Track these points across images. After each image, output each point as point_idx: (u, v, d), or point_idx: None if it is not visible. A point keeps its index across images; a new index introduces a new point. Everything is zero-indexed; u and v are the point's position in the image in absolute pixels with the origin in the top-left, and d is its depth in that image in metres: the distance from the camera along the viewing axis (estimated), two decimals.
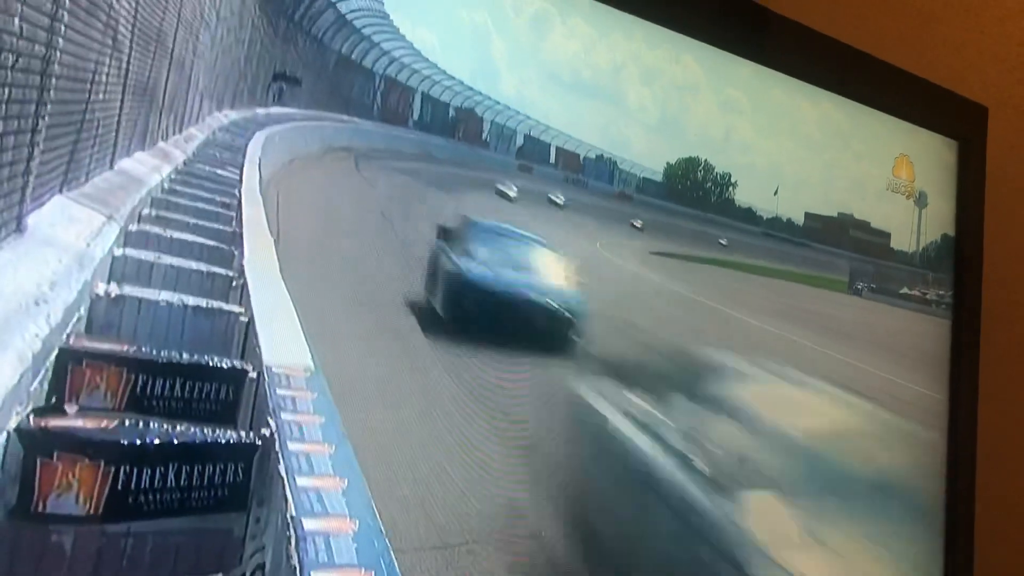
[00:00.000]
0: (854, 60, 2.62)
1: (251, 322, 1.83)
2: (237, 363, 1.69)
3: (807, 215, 2.79)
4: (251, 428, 1.62)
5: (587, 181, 2.50)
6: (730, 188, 2.58)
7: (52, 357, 1.50)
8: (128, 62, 2.26)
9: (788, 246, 2.79)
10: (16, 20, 1.36)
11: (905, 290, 3.05)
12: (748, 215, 2.68)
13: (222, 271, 2.01)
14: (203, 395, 1.63)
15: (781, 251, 2.81)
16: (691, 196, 2.54)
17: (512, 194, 2.26)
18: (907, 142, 2.93)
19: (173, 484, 1.41)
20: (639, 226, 2.53)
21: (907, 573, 2.61)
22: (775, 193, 2.67)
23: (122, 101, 2.28)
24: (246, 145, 2.52)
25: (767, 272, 2.87)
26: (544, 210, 2.40)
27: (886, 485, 2.62)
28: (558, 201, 2.41)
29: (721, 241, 2.68)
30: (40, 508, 1.30)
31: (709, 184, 2.55)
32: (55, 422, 1.35)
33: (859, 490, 2.51)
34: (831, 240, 2.87)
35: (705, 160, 2.51)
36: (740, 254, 2.78)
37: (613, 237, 2.61)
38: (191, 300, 1.83)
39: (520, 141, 2.38)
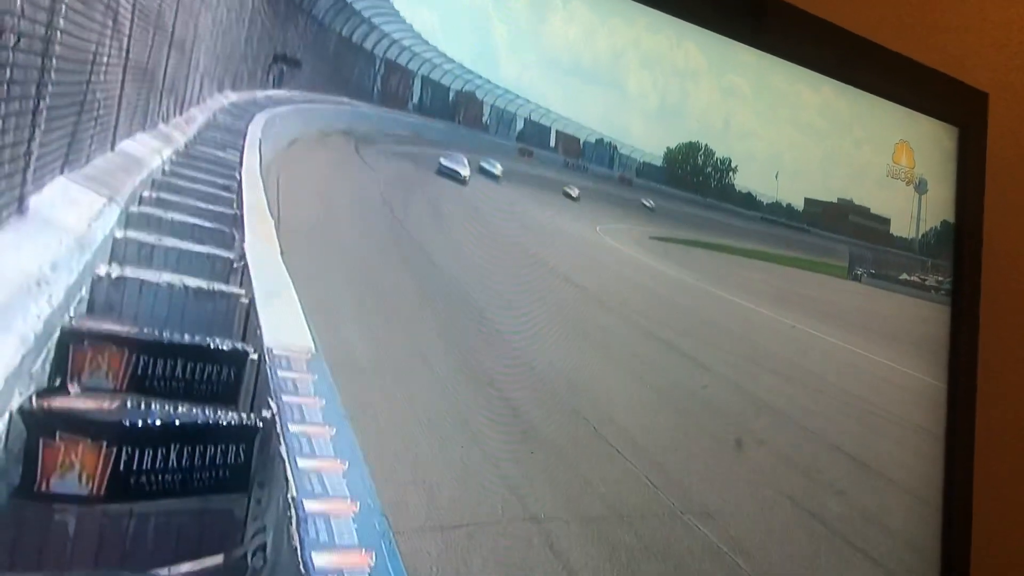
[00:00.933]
0: (854, 46, 2.62)
1: (252, 304, 1.84)
2: (238, 345, 1.70)
3: (807, 201, 2.79)
4: (252, 410, 1.63)
5: (587, 166, 2.50)
6: (730, 173, 2.58)
7: (54, 338, 1.51)
8: (129, 43, 2.25)
9: (788, 231, 2.79)
10: (18, 0, 1.36)
11: (904, 276, 3.06)
12: (748, 200, 2.68)
13: (223, 253, 2.02)
14: (204, 376, 1.64)
15: (780, 236, 2.81)
16: (691, 181, 2.54)
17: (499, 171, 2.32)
18: (907, 128, 2.93)
19: (175, 465, 1.41)
20: (575, 195, 2.52)
21: (905, 558, 2.62)
22: (775, 178, 2.67)
23: (123, 82, 2.27)
24: (247, 127, 2.52)
25: (766, 257, 2.87)
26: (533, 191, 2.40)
27: (884, 470, 2.63)
28: (572, 195, 2.50)
29: (646, 203, 2.61)
30: (43, 488, 1.31)
31: (709, 169, 2.56)
32: (57, 403, 1.36)
33: (857, 473, 2.52)
34: (831, 226, 2.87)
35: (705, 145, 2.51)
36: (739, 239, 2.78)
37: (612, 222, 2.62)
38: (192, 282, 1.83)
39: (520, 125, 2.38)
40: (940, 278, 2.99)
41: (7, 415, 1.27)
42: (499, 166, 2.33)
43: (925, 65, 2.77)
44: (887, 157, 2.89)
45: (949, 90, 2.91)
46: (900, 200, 2.94)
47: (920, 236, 3.03)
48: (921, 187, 2.97)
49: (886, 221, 2.99)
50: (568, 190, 2.48)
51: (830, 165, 2.79)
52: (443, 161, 2.29)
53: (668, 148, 2.48)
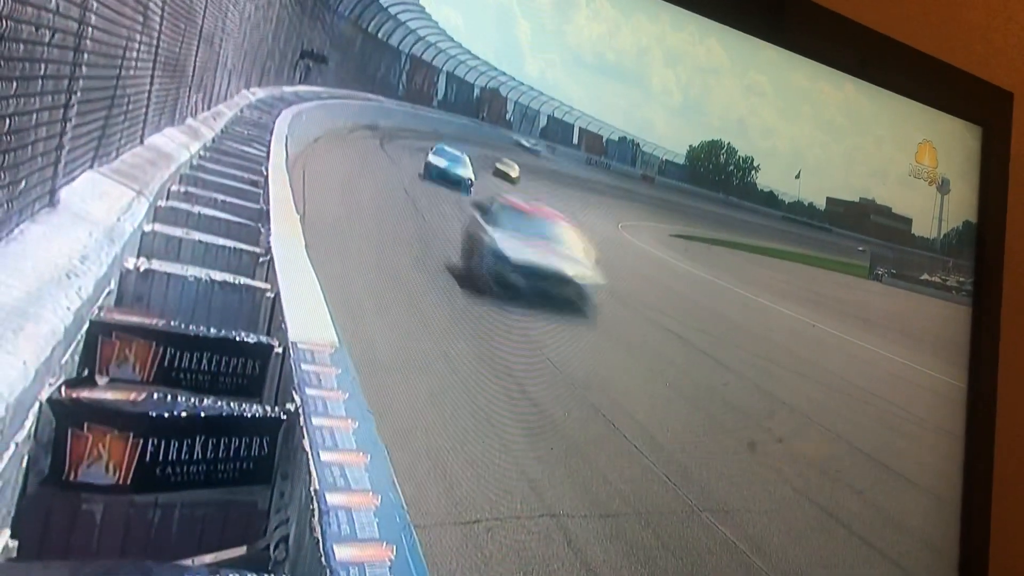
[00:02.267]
0: (877, 44, 2.60)
1: (277, 298, 1.85)
2: (263, 338, 1.72)
3: (828, 200, 2.78)
4: (276, 403, 1.64)
5: (610, 163, 2.50)
6: (752, 171, 2.58)
7: (83, 330, 1.53)
8: (158, 39, 2.28)
9: (809, 230, 2.79)
10: None
11: (926, 276, 3.04)
12: (769, 199, 2.68)
13: (249, 247, 2.04)
14: (230, 369, 1.66)
15: (801, 235, 2.80)
16: (713, 179, 2.54)
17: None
18: (930, 127, 2.91)
19: (200, 456, 1.43)
20: (513, 176, 2.27)
21: (923, 558, 2.61)
22: (797, 177, 2.66)
23: (152, 77, 2.30)
24: (273, 123, 2.54)
25: (787, 256, 2.87)
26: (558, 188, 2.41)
27: (902, 470, 2.63)
28: (511, 175, 2.29)
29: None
30: (72, 477, 1.33)
31: (731, 167, 2.55)
32: (86, 394, 1.37)
33: (876, 473, 2.52)
34: (852, 225, 2.86)
35: (727, 143, 2.50)
36: (760, 237, 2.78)
37: (634, 220, 2.62)
38: (219, 276, 1.85)
39: (544, 122, 2.39)
40: (961, 278, 2.97)
41: (37, 405, 1.29)
42: (516, 167, 2.26)
43: (949, 64, 2.75)
44: (910, 156, 2.87)
45: (973, 89, 2.89)
46: (922, 200, 2.93)
47: (942, 236, 3.01)
48: (944, 187, 2.96)
49: (908, 221, 2.97)
50: (503, 167, 2.27)
51: (852, 164, 2.78)
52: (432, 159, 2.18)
53: (690, 146, 2.48)
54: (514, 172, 2.17)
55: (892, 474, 2.61)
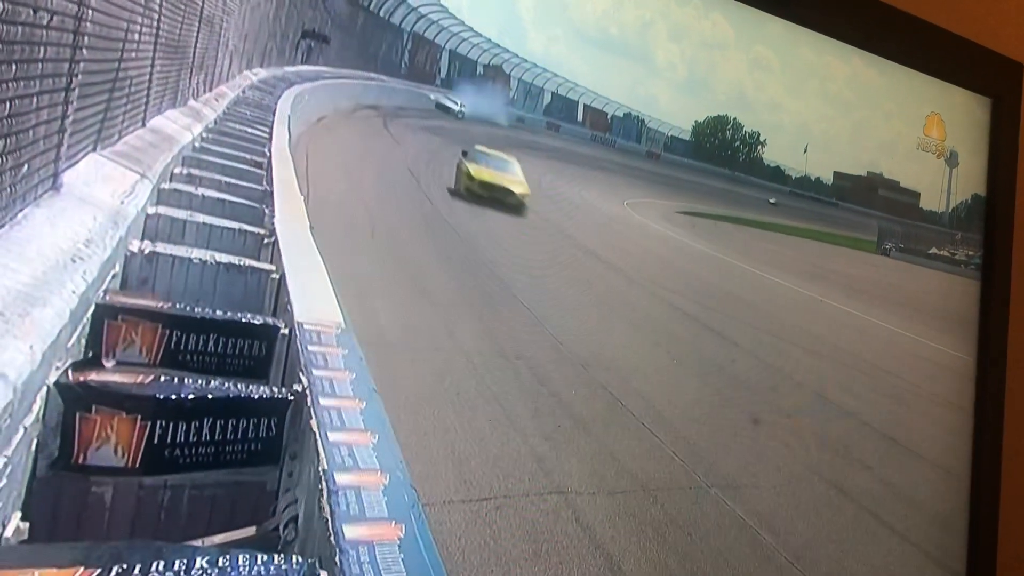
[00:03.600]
0: (884, 16, 2.57)
1: (282, 279, 1.85)
2: (269, 319, 1.72)
3: (836, 174, 2.77)
4: (283, 384, 1.64)
5: (615, 140, 2.49)
6: (758, 147, 2.57)
7: (89, 313, 1.53)
8: (159, 20, 2.27)
9: (816, 205, 2.78)
10: None
11: (934, 250, 3.03)
12: (776, 174, 2.67)
13: (253, 229, 2.03)
14: (236, 351, 1.66)
15: (809, 210, 2.79)
16: (719, 155, 2.53)
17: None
18: (939, 100, 2.88)
19: (208, 438, 1.43)
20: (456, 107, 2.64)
21: (932, 533, 2.62)
22: (804, 152, 2.65)
23: (153, 59, 2.29)
24: (275, 103, 2.54)
25: (794, 231, 2.86)
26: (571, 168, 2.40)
27: (911, 445, 2.62)
28: (453, 107, 2.65)
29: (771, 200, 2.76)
30: (80, 460, 1.34)
31: (737, 143, 2.54)
32: (93, 376, 1.38)
33: (884, 448, 2.52)
34: (860, 199, 2.85)
35: (733, 119, 2.49)
36: (767, 213, 2.77)
37: (639, 197, 2.61)
38: (223, 257, 1.85)
39: (547, 99, 2.38)
40: (970, 252, 2.95)
41: (44, 388, 1.29)
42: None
43: (957, 35, 2.72)
44: (918, 129, 2.85)
45: (982, 60, 2.86)
46: (930, 173, 2.91)
47: (950, 210, 3.00)
48: (952, 160, 2.93)
49: (916, 195, 2.96)
50: (444, 100, 2.66)
51: (859, 138, 2.76)
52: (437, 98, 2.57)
53: (696, 122, 2.46)
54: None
55: (901, 448, 2.60)
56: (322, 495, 1.21)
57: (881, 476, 2.53)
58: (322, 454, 1.30)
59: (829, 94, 2.65)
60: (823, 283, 2.76)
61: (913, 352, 2.78)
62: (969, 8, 3.00)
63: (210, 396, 1.44)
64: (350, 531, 1.13)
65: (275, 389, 1.52)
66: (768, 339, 2.48)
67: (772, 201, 2.68)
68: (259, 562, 1.05)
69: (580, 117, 2.43)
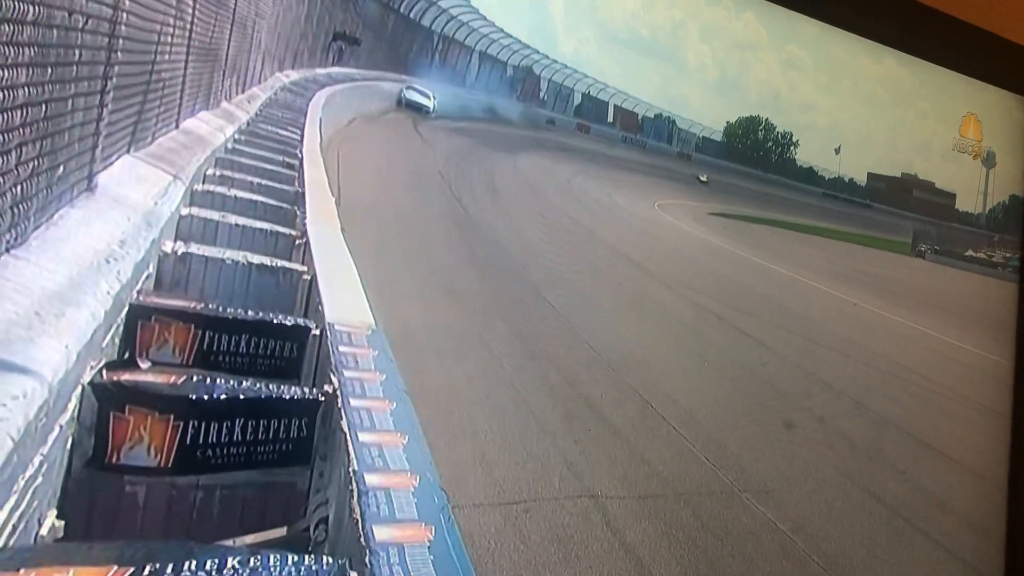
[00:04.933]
0: (919, 15, 2.54)
1: (314, 280, 1.86)
2: (300, 320, 1.72)
3: (870, 175, 2.74)
4: (314, 384, 1.65)
5: (646, 141, 2.48)
6: (791, 147, 2.55)
7: (123, 313, 1.54)
8: (192, 23, 2.28)
9: (850, 207, 2.75)
10: None
11: (970, 252, 2.99)
12: (809, 175, 2.64)
13: (285, 230, 2.05)
14: (268, 351, 1.67)
15: (842, 212, 2.76)
16: (751, 156, 2.51)
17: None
18: (975, 100, 2.84)
19: (239, 438, 1.44)
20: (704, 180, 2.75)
21: (968, 539, 2.58)
22: (837, 152, 2.62)
23: (186, 62, 2.31)
24: (307, 105, 2.56)
25: (828, 233, 2.83)
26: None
27: (946, 450, 2.59)
28: (703, 179, 2.77)
29: (701, 178, 2.73)
30: (114, 459, 1.35)
31: (770, 144, 2.52)
32: (127, 376, 1.38)
33: (919, 453, 2.49)
34: (894, 201, 2.82)
35: (766, 119, 2.47)
36: (800, 215, 2.74)
37: (670, 198, 2.60)
38: (255, 258, 1.86)
39: (578, 100, 2.37)
40: (1007, 254, 2.91)
41: (79, 388, 1.30)
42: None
43: (993, 33, 2.68)
44: (953, 130, 2.81)
45: (1019, 59, 2.82)
46: (966, 174, 2.87)
47: (987, 211, 2.96)
48: (989, 160, 2.89)
49: (951, 196, 2.92)
50: (413, 96, 2.97)
51: (893, 138, 2.73)
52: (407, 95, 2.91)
53: (728, 122, 2.45)
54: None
55: (935, 454, 2.57)
56: (352, 496, 1.21)
57: (915, 481, 2.50)
58: (353, 455, 1.30)
59: (863, 94, 2.63)
60: (857, 286, 2.74)
61: (948, 355, 2.75)
62: (1005, 5, 2.96)
63: (242, 396, 1.45)
64: (380, 532, 1.13)
65: (306, 390, 1.53)
66: (801, 342, 2.46)
67: (703, 179, 2.64)
68: (290, 562, 1.05)
69: (610, 118, 2.42)
